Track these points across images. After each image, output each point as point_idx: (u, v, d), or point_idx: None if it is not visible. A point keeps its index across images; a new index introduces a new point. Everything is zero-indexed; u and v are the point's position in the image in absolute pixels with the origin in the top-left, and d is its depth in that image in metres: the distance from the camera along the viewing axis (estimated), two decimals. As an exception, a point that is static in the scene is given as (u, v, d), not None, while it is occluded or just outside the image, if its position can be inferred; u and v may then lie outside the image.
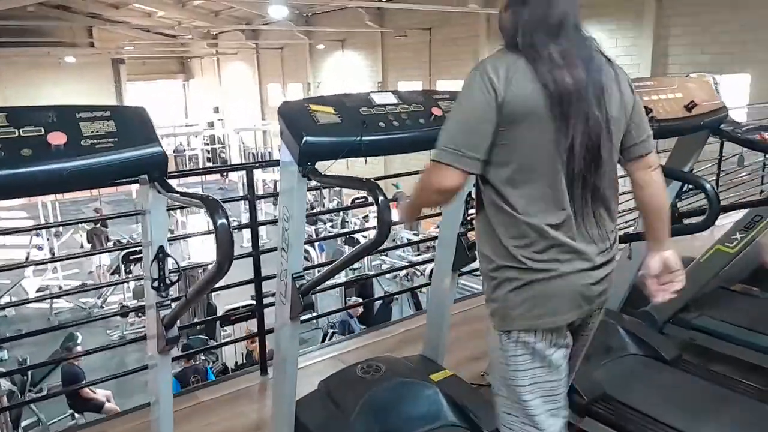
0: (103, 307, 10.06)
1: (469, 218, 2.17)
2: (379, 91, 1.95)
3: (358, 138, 1.74)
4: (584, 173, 1.38)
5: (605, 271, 1.47)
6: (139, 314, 9.26)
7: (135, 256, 9.34)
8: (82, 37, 21.27)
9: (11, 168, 1.29)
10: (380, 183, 1.59)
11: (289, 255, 1.82)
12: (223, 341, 6.34)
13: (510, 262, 1.42)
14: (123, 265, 9.51)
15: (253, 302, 5.17)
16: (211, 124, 21.13)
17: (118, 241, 11.58)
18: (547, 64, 1.34)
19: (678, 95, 2.17)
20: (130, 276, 9.68)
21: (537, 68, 1.34)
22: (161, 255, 1.56)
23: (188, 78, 25.81)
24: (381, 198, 1.43)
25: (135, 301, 9.47)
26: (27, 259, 10.60)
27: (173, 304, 1.63)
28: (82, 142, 1.39)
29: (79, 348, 6.81)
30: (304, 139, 1.67)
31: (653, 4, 9.77)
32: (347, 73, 17.22)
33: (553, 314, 1.43)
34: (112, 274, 10.63)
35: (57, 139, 1.35)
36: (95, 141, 1.41)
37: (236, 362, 7.29)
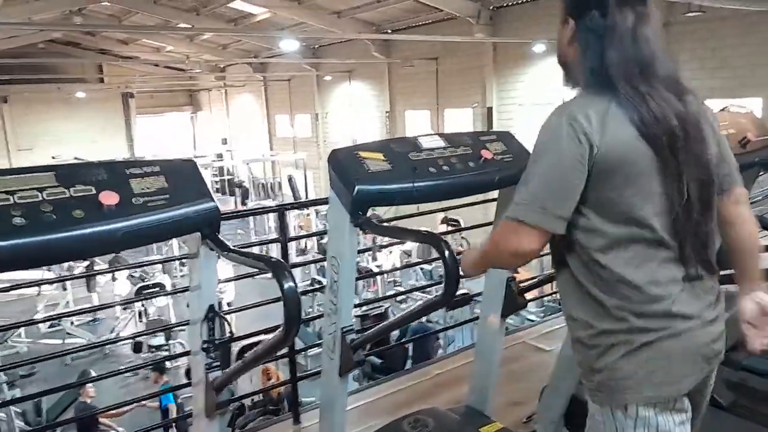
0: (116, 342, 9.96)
1: (518, 263, 2.08)
2: (425, 135, 1.89)
3: (412, 184, 1.68)
4: (697, 221, 1.26)
5: (719, 326, 1.31)
6: (152, 349, 9.17)
7: (148, 291, 9.31)
8: (92, 72, 21.61)
9: (65, 231, 1.22)
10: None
11: (338, 308, 1.73)
12: (257, 390, 6.15)
13: (615, 325, 1.26)
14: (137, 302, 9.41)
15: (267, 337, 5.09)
16: (220, 156, 21.25)
17: (131, 275, 11.49)
18: (644, 105, 1.21)
19: (732, 131, 2.10)
20: (143, 313, 9.62)
21: (633, 111, 1.21)
22: (211, 315, 1.48)
23: (196, 110, 26.08)
24: (447, 252, 1.35)
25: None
26: (38, 293, 10.52)
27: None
28: (134, 201, 1.33)
29: (92, 389, 6.70)
30: (356, 187, 1.61)
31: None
32: (355, 103, 17.34)
33: (676, 380, 1.26)
34: (124, 308, 10.53)
35: (109, 198, 1.28)
36: (147, 199, 1.34)
37: (253, 400, 7.13)
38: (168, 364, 7.81)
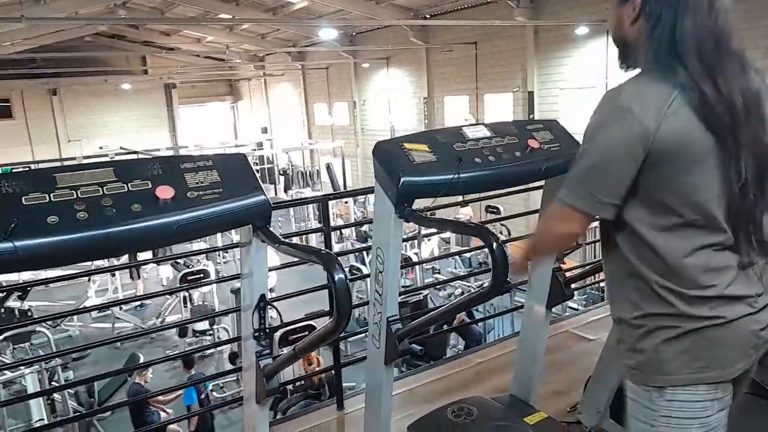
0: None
1: (565, 252, 2.06)
2: (470, 125, 1.88)
3: (456, 175, 1.68)
4: (753, 203, 1.23)
5: None
6: (197, 334, 9.46)
7: (193, 277, 9.57)
8: (137, 64, 22.16)
9: (124, 225, 1.27)
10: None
11: (383, 298, 1.75)
12: (300, 375, 6.29)
13: (663, 309, 1.25)
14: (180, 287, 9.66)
15: (311, 322, 5.18)
16: (260, 145, 21.55)
17: (175, 261, 11.82)
18: (710, 84, 1.17)
19: None
20: (188, 299, 9.90)
21: (696, 93, 1.17)
22: (262, 304, 1.52)
23: (237, 100, 26.46)
24: (495, 244, 1.35)
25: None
26: (89, 279, 10.94)
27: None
28: (188, 194, 1.37)
29: (150, 373, 6.94)
30: (402, 179, 1.62)
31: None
32: (393, 90, 17.28)
33: (721, 367, 1.25)
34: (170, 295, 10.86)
35: (165, 192, 1.33)
36: (201, 192, 1.38)
37: (294, 385, 7.27)
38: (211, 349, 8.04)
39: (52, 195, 1.27)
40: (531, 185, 2.12)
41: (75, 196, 1.28)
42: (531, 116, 12.49)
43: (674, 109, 1.17)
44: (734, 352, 1.25)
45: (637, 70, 1.31)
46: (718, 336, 1.24)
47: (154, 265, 12.13)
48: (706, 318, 1.23)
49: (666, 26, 1.22)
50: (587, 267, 2.80)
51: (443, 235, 11.17)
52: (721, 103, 1.17)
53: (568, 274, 2.13)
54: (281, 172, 19.96)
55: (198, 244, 10.03)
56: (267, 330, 1.54)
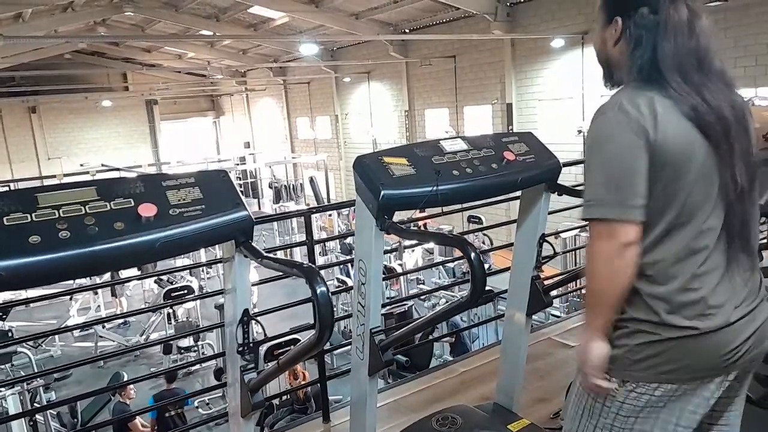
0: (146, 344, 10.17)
1: (542, 261, 2.11)
2: (447, 138, 1.92)
3: (435, 188, 1.72)
4: (745, 210, 1.28)
5: (758, 321, 1.32)
6: (181, 350, 9.36)
7: (176, 294, 9.48)
8: (117, 81, 22.04)
9: (107, 243, 1.28)
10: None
11: (366, 310, 1.78)
12: (286, 389, 6.27)
13: (646, 316, 1.29)
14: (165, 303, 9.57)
15: (296, 336, 5.16)
16: (243, 159, 21.51)
17: (159, 278, 11.70)
18: (699, 96, 1.23)
19: (756, 125, 2.08)
20: (172, 315, 9.80)
21: (686, 103, 1.22)
22: (246, 319, 1.54)
23: (219, 115, 26.40)
24: (473, 255, 1.38)
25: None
26: (70, 298, 10.78)
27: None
28: (171, 212, 1.38)
29: (132, 391, 6.85)
30: (382, 192, 1.65)
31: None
32: (374, 103, 17.39)
33: (687, 372, 1.29)
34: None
35: (147, 210, 1.34)
36: (183, 209, 1.40)
37: (281, 399, 7.22)
38: (197, 365, 7.95)
39: (33, 215, 1.27)
40: (509, 196, 2.17)
41: (57, 215, 1.29)
42: (510, 128, 12.66)
43: (668, 116, 1.22)
44: (702, 362, 1.29)
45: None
46: (689, 346, 1.28)
47: (137, 282, 11.98)
48: (682, 328, 1.27)
49: (646, 49, 1.27)
50: (565, 275, 2.85)
51: (427, 246, 11.23)
52: (711, 113, 1.23)
53: (546, 281, 2.18)
54: (270, 186, 19.93)
55: (182, 260, 9.96)
56: (251, 345, 1.56)
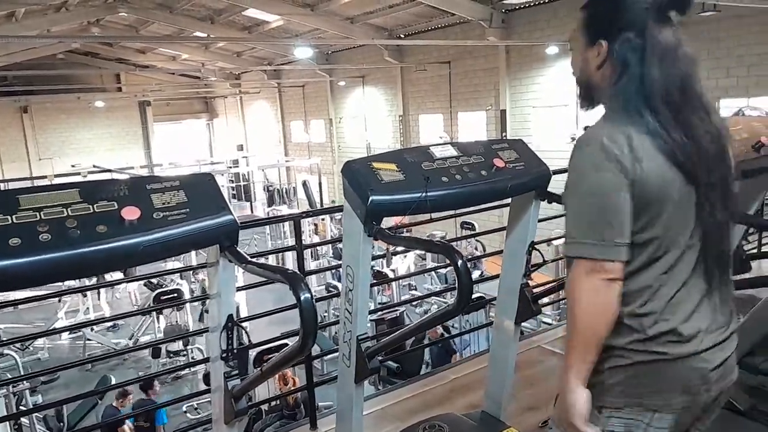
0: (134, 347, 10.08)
1: (531, 269, 2.10)
2: (438, 144, 1.91)
3: (423, 194, 1.71)
4: (722, 237, 1.28)
5: (727, 351, 1.32)
6: (170, 355, 9.28)
7: (166, 297, 9.41)
8: (111, 81, 21.97)
9: (88, 246, 1.26)
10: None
11: (354, 316, 1.76)
12: (274, 395, 6.24)
13: (622, 341, 1.27)
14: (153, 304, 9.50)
15: (286, 341, 5.14)
16: (236, 162, 21.46)
17: (148, 281, 11.62)
18: (678, 127, 1.21)
19: (745, 135, 2.09)
20: (161, 318, 9.74)
21: (663, 137, 1.20)
22: (230, 324, 1.52)
23: (212, 117, 26.35)
24: (460, 262, 1.37)
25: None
26: (59, 300, 10.68)
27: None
28: (154, 215, 1.37)
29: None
30: (371, 198, 1.64)
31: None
32: (368, 108, 17.41)
33: (658, 397, 1.28)
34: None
35: (131, 213, 1.33)
36: (167, 213, 1.38)
37: (270, 405, 7.17)
38: (186, 369, 7.88)
39: (14, 217, 1.25)
40: (500, 203, 2.16)
41: (38, 217, 1.27)
42: (504, 134, 12.70)
43: (646, 153, 1.20)
44: (672, 387, 1.27)
45: (600, 107, 1.35)
46: (660, 370, 1.26)
47: (125, 285, 11.90)
48: (653, 353, 1.26)
49: (633, 75, 1.25)
50: (554, 283, 2.84)
51: (419, 252, 11.21)
52: (689, 147, 1.21)
53: (536, 290, 2.17)
54: (265, 189, 19.88)
55: (172, 263, 9.90)
56: (235, 350, 1.54)
